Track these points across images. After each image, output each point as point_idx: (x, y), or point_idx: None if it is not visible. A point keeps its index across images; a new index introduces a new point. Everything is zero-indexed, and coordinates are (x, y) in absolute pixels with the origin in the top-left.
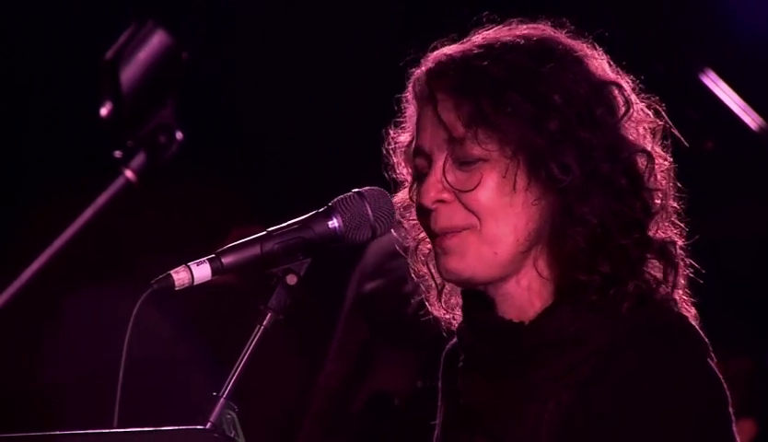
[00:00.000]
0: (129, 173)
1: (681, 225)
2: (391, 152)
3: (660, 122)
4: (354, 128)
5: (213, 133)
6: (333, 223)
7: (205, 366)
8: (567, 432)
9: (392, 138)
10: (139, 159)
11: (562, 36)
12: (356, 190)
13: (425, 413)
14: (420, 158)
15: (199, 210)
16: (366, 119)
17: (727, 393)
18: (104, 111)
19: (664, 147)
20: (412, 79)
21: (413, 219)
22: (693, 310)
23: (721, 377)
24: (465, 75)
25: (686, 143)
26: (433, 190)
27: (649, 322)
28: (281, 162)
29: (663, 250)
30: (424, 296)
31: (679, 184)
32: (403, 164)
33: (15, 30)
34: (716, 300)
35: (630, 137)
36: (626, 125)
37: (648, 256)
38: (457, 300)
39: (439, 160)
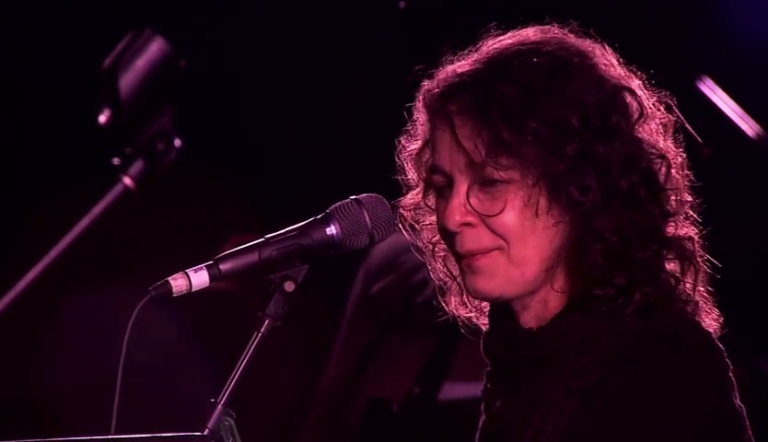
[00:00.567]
0: (127, 180)
1: (696, 217)
2: (400, 156)
3: (672, 117)
4: (352, 135)
5: (210, 140)
6: (331, 230)
7: (203, 372)
8: (570, 439)
9: (402, 144)
10: (137, 166)
11: (571, 40)
12: (354, 197)
13: (423, 419)
14: (438, 176)
15: (197, 217)
16: (363, 125)
17: (737, 402)
18: (103, 119)
19: (676, 141)
20: (422, 90)
21: (428, 222)
22: (715, 312)
23: (735, 384)
24: (481, 100)
25: (697, 139)
26: (457, 213)
27: (657, 329)
28: (279, 169)
29: (681, 249)
30: (440, 296)
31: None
32: (413, 169)
33: (13, 36)
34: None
35: (645, 140)
36: (640, 128)
37: (668, 257)
38: (480, 304)
39: (462, 184)
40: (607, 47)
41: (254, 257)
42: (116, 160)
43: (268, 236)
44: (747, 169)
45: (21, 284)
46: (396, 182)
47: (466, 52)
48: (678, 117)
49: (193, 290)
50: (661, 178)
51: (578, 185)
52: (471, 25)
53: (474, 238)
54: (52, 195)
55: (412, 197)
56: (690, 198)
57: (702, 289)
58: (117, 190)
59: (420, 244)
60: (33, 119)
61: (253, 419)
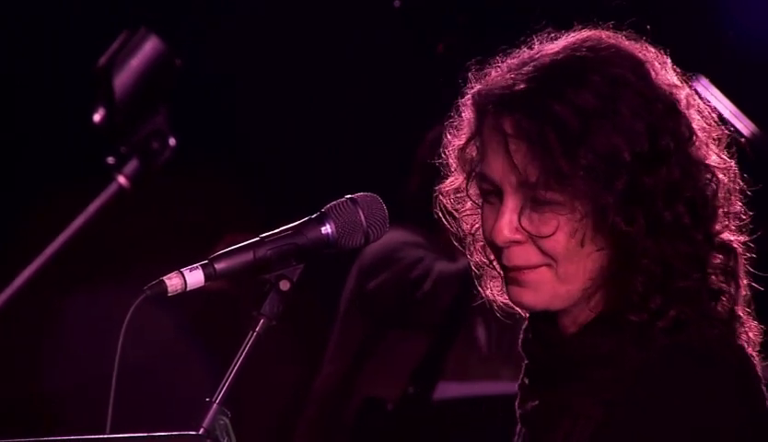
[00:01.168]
0: (122, 179)
1: (743, 226)
2: (443, 146)
3: (724, 130)
4: (347, 134)
5: (206, 139)
6: (326, 229)
7: (198, 371)
8: None
9: (447, 135)
10: (132, 165)
11: (625, 47)
12: (349, 196)
13: (417, 419)
14: (487, 184)
15: (192, 216)
16: (360, 125)
17: (750, 432)
18: (97, 118)
19: (728, 151)
20: (473, 91)
21: (466, 211)
22: (754, 326)
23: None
24: (537, 124)
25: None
26: (507, 230)
27: (685, 344)
28: (275, 168)
29: (723, 267)
30: (476, 281)
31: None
32: (456, 161)
33: (7, 35)
34: None
35: (694, 158)
36: (690, 147)
37: (710, 274)
38: None
39: (512, 201)
40: (660, 51)
41: (249, 256)
42: (111, 159)
43: (263, 235)
44: (742, 169)
45: (16, 284)
46: (393, 181)
47: (518, 50)
48: (730, 127)
49: (188, 289)
50: (709, 196)
51: (624, 217)
52: (468, 24)
53: (522, 255)
54: (46, 194)
55: (451, 183)
56: (739, 206)
57: (741, 304)
58: (112, 189)
59: (458, 231)
60: (27, 118)
61: (249, 418)
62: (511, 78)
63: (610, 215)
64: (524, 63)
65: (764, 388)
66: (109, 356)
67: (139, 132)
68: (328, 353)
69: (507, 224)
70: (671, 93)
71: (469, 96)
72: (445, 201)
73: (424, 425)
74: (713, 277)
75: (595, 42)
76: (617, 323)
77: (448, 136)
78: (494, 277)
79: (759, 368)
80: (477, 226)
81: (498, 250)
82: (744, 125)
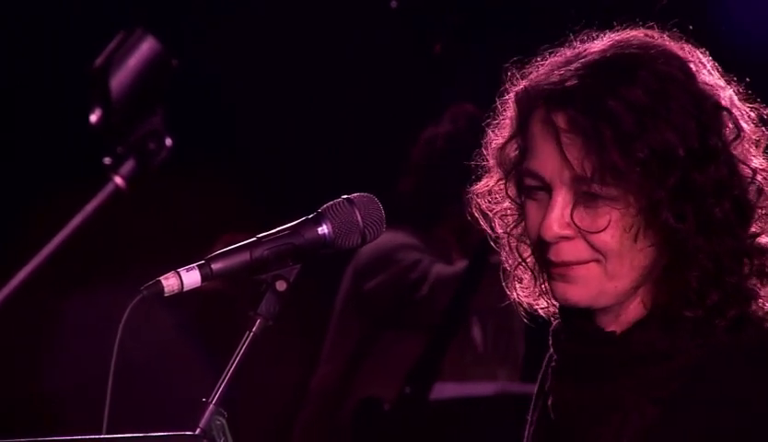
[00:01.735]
0: (118, 179)
1: None
2: (483, 144)
3: (765, 132)
4: (344, 134)
5: (203, 140)
6: (323, 229)
7: (195, 371)
8: None
9: (488, 133)
10: (128, 166)
11: (673, 48)
12: (346, 196)
13: (414, 419)
14: (533, 180)
15: (188, 216)
16: (356, 124)
17: None
18: (94, 118)
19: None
20: (517, 88)
21: (502, 211)
22: None
23: None
24: (591, 119)
25: None
26: (556, 225)
27: (745, 344)
28: (272, 168)
29: (760, 269)
30: (503, 281)
31: None
32: (495, 160)
33: (13, 36)
34: None
35: (738, 158)
36: (735, 147)
37: (754, 276)
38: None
39: (563, 196)
40: (703, 52)
41: (246, 257)
42: (107, 160)
43: (260, 235)
44: None
45: (12, 284)
46: (391, 182)
47: (561, 49)
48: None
49: (185, 290)
50: (752, 198)
51: (675, 213)
52: (464, 25)
53: (572, 251)
54: (42, 195)
55: (485, 184)
56: None
57: None
58: (108, 189)
59: (491, 231)
60: (23, 119)
61: (245, 418)
62: (560, 74)
63: (662, 210)
64: (570, 61)
65: None
66: (106, 356)
67: (135, 132)
68: (324, 353)
69: (557, 219)
70: (716, 93)
71: (512, 94)
72: (479, 200)
73: (421, 426)
74: (751, 278)
75: (642, 41)
76: (671, 320)
77: (489, 135)
78: (521, 279)
79: None
80: (512, 226)
81: (544, 246)
82: None
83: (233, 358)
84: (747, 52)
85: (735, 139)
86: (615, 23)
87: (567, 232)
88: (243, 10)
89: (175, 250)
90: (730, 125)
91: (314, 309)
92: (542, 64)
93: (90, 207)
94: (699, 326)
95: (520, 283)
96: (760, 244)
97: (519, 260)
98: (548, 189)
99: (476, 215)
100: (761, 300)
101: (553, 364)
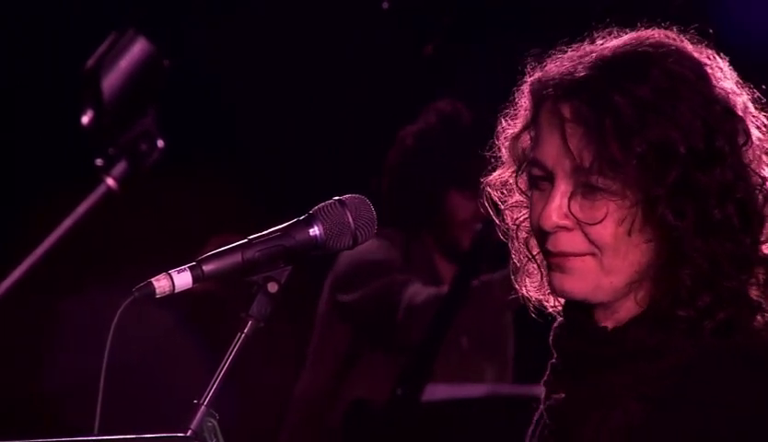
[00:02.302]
0: (110, 181)
1: None
2: (497, 134)
3: None
4: (340, 135)
5: (196, 140)
6: (314, 231)
7: (186, 373)
8: None
9: (502, 123)
10: (120, 167)
11: (688, 49)
12: (337, 197)
13: (405, 422)
14: (538, 169)
15: (180, 218)
16: (353, 125)
17: None
18: (85, 119)
19: None
20: (532, 78)
21: (514, 202)
22: None
23: None
24: (594, 111)
25: None
26: (555, 215)
27: (736, 347)
28: (265, 170)
29: (764, 280)
30: (512, 275)
31: None
32: (508, 150)
33: (13, 36)
34: None
35: (747, 164)
36: (744, 153)
37: (753, 282)
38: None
39: (563, 186)
40: (721, 56)
41: (237, 258)
42: (99, 161)
43: (251, 237)
44: None
45: (3, 286)
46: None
47: (580, 43)
48: None
49: (176, 291)
50: (758, 206)
51: (674, 210)
52: (460, 24)
53: (569, 241)
54: (34, 196)
55: (499, 175)
56: None
57: None
58: (100, 190)
59: (501, 223)
60: (14, 120)
61: (236, 420)
62: (572, 66)
63: (659, 206)
64: (585, 54)
65: None
66: (98, 358)
67: (127, 133)
68: (308, 360)
69: (557, 208)
70: (730, 98)
71: (527, 84)
72: (492, 192)
73: (413, 428)
74: (754, 288)
75: (657, 40)
76: (664, 319)
77: (503, 125)
78: (531, 274)
79: None
80: (522, 218)
81: (544, 236)
82: None
83: (224, 360)
84: (747, 52)
85: (744, 145)
86: (639, 23)
87: (565, 222)
88: (242, 10)
89: (168, 252)
90: (741, 131)
91: (306, 311)
92: (560, 58)
93: (82, 209)
94: (691, 326)
95: (530, 278)
96: (765, 255)
97: (528, 254)
98: (551, 179)
99: (488, 205)
100: (764, 311)
101: (552, 361)
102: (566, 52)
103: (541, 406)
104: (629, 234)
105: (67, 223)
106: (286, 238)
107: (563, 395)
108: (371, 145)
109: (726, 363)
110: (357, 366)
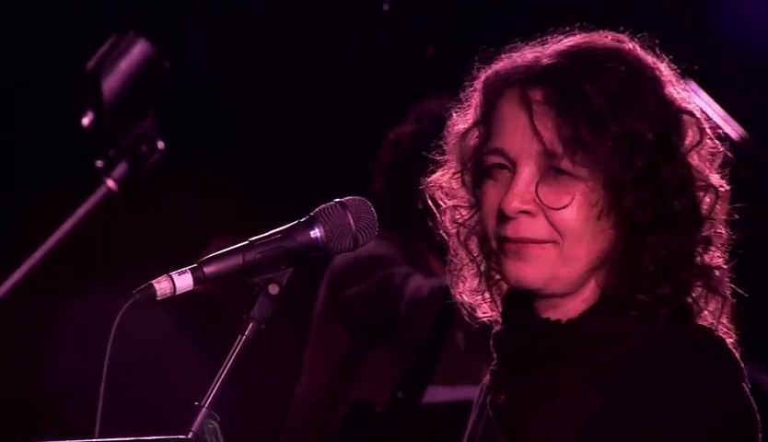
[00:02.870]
0: (111, 182)
1: (727, 253)
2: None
3: (721, 147)
4: (342, 135)
5: (196, 141)
6: (315, 233)
7: (188, 375)
8: (595, 433)
9: (451, 123)
10: (121, 169)
11: (641, 52)
12: (338, 199)
13: (406, 424)
14: (497, 157)
15: (181, 219)
16: (353, 125)
17: (758, 419)
18: (86, 121)
19: (721, 172)
20: (488, 73)
21: (454, 203)
22: (733, 338)
23: (754, 403)
24: (567, 95)
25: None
26: (518, 199)
27: (687, 338)
28: (265, 171)
29: (710, 279)
30: (450, 283)
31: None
32: (454, 151)
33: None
34: None
35: (695, 166)
36: (694, 154)
37: (699, 284)
38: (493, 294)
39: (528, 170)
40: (670, 65)
41: (238, 260)
42: (99, 163)
43: (252, 238)
44: (730, 173)
45: (4, 287)
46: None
47: (532, 43)
48: (726, 148)
49: (177, 293)
50: (705, 208)
51: (637, 198)
52: (455, 26)
53: (531, 227)
54: (35, 198)
55: (441, 175)
56: (725, 234)
57: (725, 320)
58: (100, 192)
59: (441, 224)
60: (15, 121)
61: (238, 422)
62: (534, 58)
63: (625, 192)
64: (543, 50)
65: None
66: (99, 360)
67: (128, 135)
68: (306, 363)
69: (521, 193)
70: (682, 100)
71: (480, 81)
72: (433, 192)
73: (413, 430)
74: (700, 285)
75: (613, 39)
76: (622, 304)
77: (451, 122)
78: (465, 279)
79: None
80: (463, 217)
81: (502, 223)
82: (733, 129)
83: (226, 362)
84: (747, 52)
85: (697, 144)
86: (596, 27)
87: (529, 207)
88: (242, 11)
89: (169, 253)
90: (693, 131)
91: (307, 313)
92: (512, 56)
93: (83, 210)
94: (646, 313)
95: (464, 282)
96: (710, 260)
97: (468, 255)
98: (512, 167)
99: (428, 204)
100: (703, 309)
101: (493, 367)
102: (516, 52)
103: (474, 411)
104: (593, 220)
105: (68, 224)
106: (287, 240)
107: (502, 396)
108: (371, 145)
109: (678, 349)
110: (358, 367)
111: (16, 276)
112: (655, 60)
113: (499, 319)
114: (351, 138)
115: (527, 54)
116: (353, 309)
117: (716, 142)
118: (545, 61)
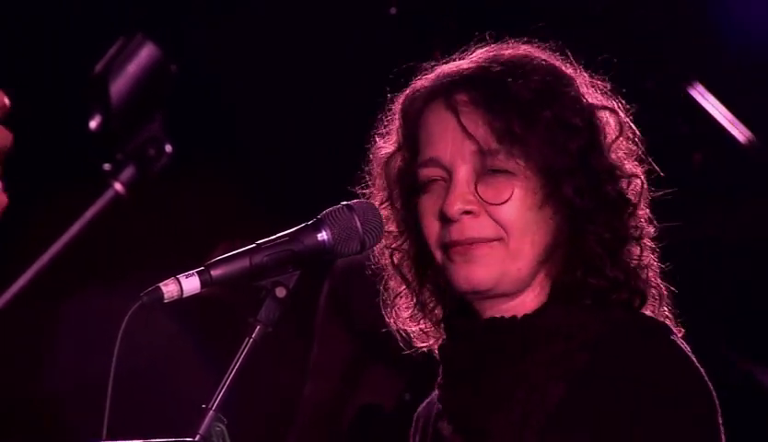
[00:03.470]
0: (118, 186)
1: (656, 250)
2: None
3: (639, 146)
4: (343, 137)
5: (203, 145)
6: (322, 235)
7: (195, 378)
8: (557, 422)
9: (375, 150)
10: (128, 172)
11: (551, 57)
12: (345, 202)
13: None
14: (433, 168)
15: (188, 222)
16: (354, 126)
17: (715, 399)
18: (93, 125)
19: (643, 169)
20: (410, 92)
21: (391, 229)
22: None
23: (709, 384)
24: (493, 92)
25: (657, 167)
26: (459, 201)
27: (639, 325)
28: (272, 174)
29: (649, 271)
30: (388, 311)
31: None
32: (379, 178)
33: (13, 36)
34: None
35: (615, 160)
36: (617, 148)
37: (641, 274)
38: (435, 314)
39: (465, 172)
40: (581, 69)
41: (245, 263)
42: (107, 166)
43: (259, 242)
44: (738, 175)
45: (12, 289)
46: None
47: (452, 57)
48: (643, 149)
49: (185, 296)
50: (636, 198)
51: (573, 185)
52: (460, 30)
53: (476, 227)
54: (42, 201)
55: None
56: (651, 229)
57: (665, 309)
58: (108, 195)
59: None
60: (23, 124)
61: (245, 424)
62: (454, 70)
63: (562, 180)
64: (461, 63)
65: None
66: (107, 361)
67: (135, 138)
68: (311, 370)
69: (461, 194)
70: (599, 98)
71: (398, 104)
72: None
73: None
74: (641, 273)
75: (530, 49)
76: (574, 290)
77: (374, 149)
78: (400, 307)
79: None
80: (398, 241)
81: (446, 228)
82: (740, 132)
83: (233, 364)
84: (747, 52)
85: (617, 138)
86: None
87: (472, 207)
88: (242, 11)
89: (176, 256)
90: (613, 126)
91: (314, 316)
92: (426, 76)
93: (90, 213)
94: (599, 300)
95: (398, 311)
96: (642, 252)
97: (402, 280)
98: (447, 175)
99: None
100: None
101: (440, 381)
102: (429, 71)
103: (416, 415)
104: (535, 210)
105: (75, 227)
106: (295, 243)
107: (457, 403)
108: (371, 145)
109: (632, 337)
110: (364, 369)
111: (24, 279)
112: (574, 67)
113: (442, 333)
114: (351, 138)
115: (443, 69)
116: (355, 315)
117: (637, 133)
118: (465, 70)
